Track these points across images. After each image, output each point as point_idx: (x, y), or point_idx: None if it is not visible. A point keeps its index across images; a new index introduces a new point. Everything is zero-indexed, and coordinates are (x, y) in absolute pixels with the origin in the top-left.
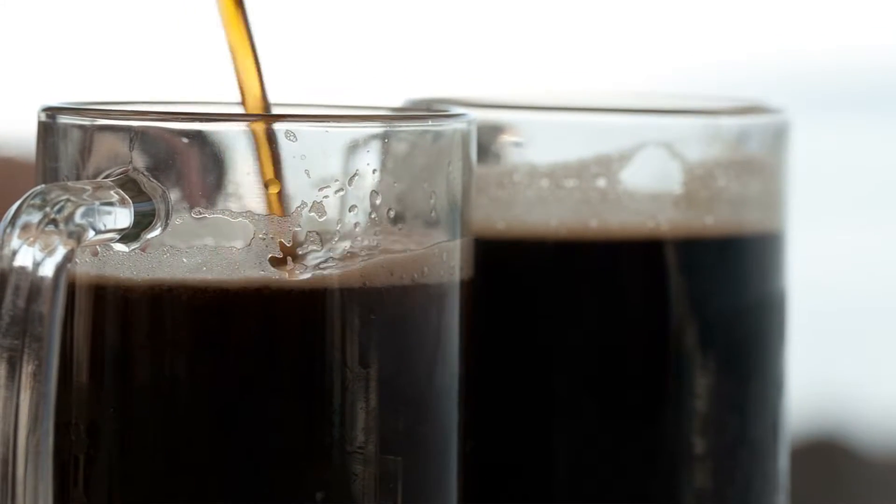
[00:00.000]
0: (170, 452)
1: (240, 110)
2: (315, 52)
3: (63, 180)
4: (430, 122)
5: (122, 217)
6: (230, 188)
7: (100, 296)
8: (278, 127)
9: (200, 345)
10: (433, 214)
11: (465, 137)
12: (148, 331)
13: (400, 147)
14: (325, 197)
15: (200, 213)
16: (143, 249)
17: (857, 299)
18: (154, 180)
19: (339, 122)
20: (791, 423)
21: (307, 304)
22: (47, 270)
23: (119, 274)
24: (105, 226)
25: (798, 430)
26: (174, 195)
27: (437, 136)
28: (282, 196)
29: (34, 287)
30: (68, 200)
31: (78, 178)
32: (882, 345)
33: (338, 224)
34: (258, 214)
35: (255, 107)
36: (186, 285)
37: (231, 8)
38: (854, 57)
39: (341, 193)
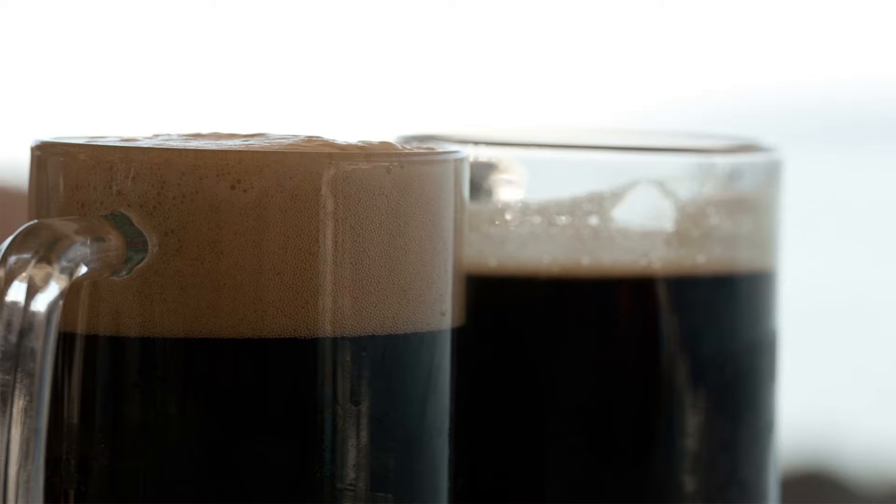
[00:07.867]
0: (161, 489)
1: (232, 142)
2: (306, 90)
3: (56, 215)
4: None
5: (115, 252)
6: None
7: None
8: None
9: (191, 383)
10: None
11: (457, 174)
12: (139, 369)
13: None
14: None
15: None
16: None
17: (845, 332)
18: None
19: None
20: (780, 456)
21: (300, 347)
22: (40, 306)
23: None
24: (97, 262)
25: (786, 462)
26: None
27: None
28: None
29: (26, 322)
30: (61, 236)
31: (71, 213)
32: (869, 378)
33: None
34: None
35: None
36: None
37: None
38: (843, 90)
39: None
